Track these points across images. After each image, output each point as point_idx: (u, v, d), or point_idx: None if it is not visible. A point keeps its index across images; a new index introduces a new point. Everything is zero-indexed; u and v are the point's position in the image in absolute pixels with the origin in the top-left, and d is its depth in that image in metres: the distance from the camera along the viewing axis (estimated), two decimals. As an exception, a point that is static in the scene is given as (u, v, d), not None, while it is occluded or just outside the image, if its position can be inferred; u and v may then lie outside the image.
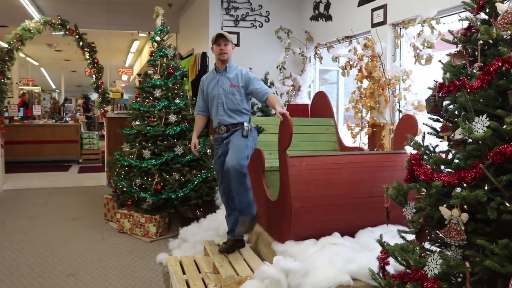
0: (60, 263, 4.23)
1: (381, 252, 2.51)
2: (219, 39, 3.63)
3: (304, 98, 6.21)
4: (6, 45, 7.42)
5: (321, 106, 5.21)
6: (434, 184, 2.00)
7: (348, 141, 5.02)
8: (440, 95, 2.18)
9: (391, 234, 2.95)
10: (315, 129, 4.87)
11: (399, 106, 4.54)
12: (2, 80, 7.41)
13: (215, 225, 4.30)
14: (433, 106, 2.20)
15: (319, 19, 6.13)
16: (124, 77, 18.39)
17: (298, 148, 4.44)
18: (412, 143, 2.39)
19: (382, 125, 4.66)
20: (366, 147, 4.89)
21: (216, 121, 3.71)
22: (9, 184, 7.81)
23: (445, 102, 2.22)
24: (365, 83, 4.88)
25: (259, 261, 3.50)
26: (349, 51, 5.18)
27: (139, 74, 18.08)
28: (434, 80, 2.31)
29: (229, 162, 3.45)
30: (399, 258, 2.22)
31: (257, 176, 4.07)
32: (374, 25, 4.84)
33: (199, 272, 3.62)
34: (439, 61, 2.28)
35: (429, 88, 2.29)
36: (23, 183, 8.03)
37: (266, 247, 3.68)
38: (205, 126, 5.30)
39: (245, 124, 3.61)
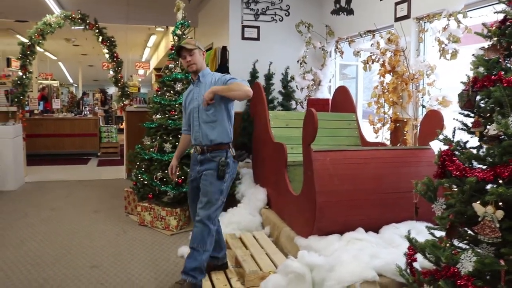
0: (83, 255, 4.28)
1: (408, 249, 2.49)
2: (181, 52, 3.22)
3: (325, 93, 6.17)
4: (26, 40, 7.51)
5: (342, 101, 5.18)
6: (468, 180, 1.97)
7: (370, 136, 4.98)
8: (474, 89, 2.14)
9: (416, 231, 2.93)
10: (337, 124, 4.85)
11: (423, 101, 4.49)
12: (25, 74, 7.50)
13: (236, 219, 4.31)
14: (466, 100, 2.16)
15: (340, 13, 6.08)
16: (141, 72, 18.47)
17: (319, 142, 4.41)
18: (442, 138, 2.35)
19: (405, 120, 4.61)
20: (388, 143, 4.84)
21: (193, 139, 3.31)
22: (30, 177, 7.92)
23: (478, 97, 2.18)
24: (388, 78, 4.83)
25: (282, 256, 3.50)
26: (371, 46, 5.13)
27: (155, 69, 18.23)
28: (467, 75, 2.26)
29: (199, 213, 3.15)
30: (429, 255, 2.19)
31: (280, 171, 4.06)
32: (397, 19, 4.77)
33: (222, 266, 3.64)
34: (472, 55, 2.23)
35: (462, 82, 2.24)
36: (44, 176, 8.13)
37: (289, 242, 3.68)
38: None
39: (222, 159, 3.14)
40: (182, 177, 4.71)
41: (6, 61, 12.32)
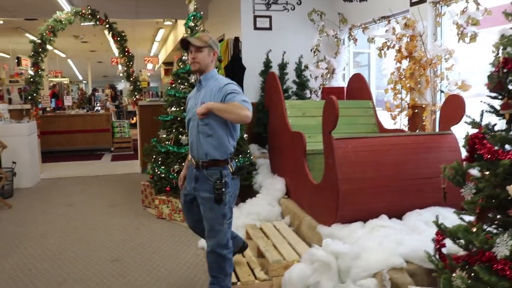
0: (103, 249, 4.30)
1: (436, 234, 2.45)
2: (189, 46, 2.78)
3: (339, 81, 6.11)
4: (35, 38, 7.52)
5: (358, 88, 5.13)
6: (501, 162, 1.93)
7: (387, 123, 4.93)
8: (505, 71, 2.09)
9: (441, 217, 2.87)
10: (353, 111, 4.80)
11: (441, 86, 4.42)
12: (37, 72, 7.52)
13: (255, 209, 4.29)
14: (497, 82, 2.11)
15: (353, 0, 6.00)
16: (149, 66, 18.49)
17: (337, 131, 4.36)
18: (469, 122, 2.30)
19: (423, 106, 4.55)
20: (406, 129, 4.79)
21: (189, 149, 2.94)
22: (46, 173, 7.97)
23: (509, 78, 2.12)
24: (404, 63, 4.76)
25: (305, 245, 3.49)
26: (386, 31, 5.06)
27: (164, 63, 18.23)
28: (495, 56, 2.21)
29: (207, 243, 2.89)
30: (461, 240, 2.15)
31: (299, 160, 4.04)
32: (413, 4, 4.70)
33: (243, 256, 3.63)
34: (502, 35, 2.17)
35: (491, 64, 2.19)
36: (59, 172, 8.18)
37: (310, 231, 3.66)
38: None
39: (217, 182, 2.72)
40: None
41: (16, 60, 12.40)
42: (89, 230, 4.89)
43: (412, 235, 3.05)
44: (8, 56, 15.88)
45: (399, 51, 4.75)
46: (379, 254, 2.78)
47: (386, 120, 5.01)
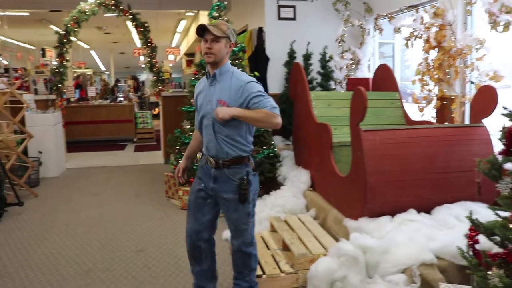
0: (128, 239, 4.33)
1: (470, 230, 2.38)
2: (206, 32, 2.49)
3: (364, 72, 6.01)
4: (59, 29, 7.58)
5: (384, 79, 5.03)
6: (543, 156, 1.85)
7: (414, 115, 4.82)
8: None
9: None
10: (380, 103, 4.71)
11: (471, 77, 4.30)
12: (62, 63, 7.60)
13: (280, 202, 4.26)
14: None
15: (379, -12, 5.87)
16: (171, 57, 18.55)
17: (363, 123, 4.30)
18: (507, 113, 2.22)
19: (452, 98, 4.43)
20: (434, 121, 4.68)
21: (204, 146, 2.71)
22: (71, 163, 8.08)
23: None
24: (432, 54, 4.64)
25: (330, 239, 3.45)
26: (413, 21, 4.93)
27: (186, 54, 18.26)
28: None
29: (232, 242, 2.81)
30: (497, 236, 2.08)
31: (325, 152, 3.99)
32: (443, -8, 4.56)
33: (268, 249, 3.61)
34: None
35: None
36: (83, 162, 8.29)
37: (337, 224, 3.61)
38: None
39: (244, 179, 2.58)
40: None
41: (41, 51, 12.57)
42: (114, 219, 4.93)
43: (443, 230, 2.98)
44: (34, 48, 16.14)
45: (427, 41, 4.63)
46: (409, 249, 2.73)
47: (412, 112, 4.91)
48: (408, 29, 5.05)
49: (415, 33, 4.87)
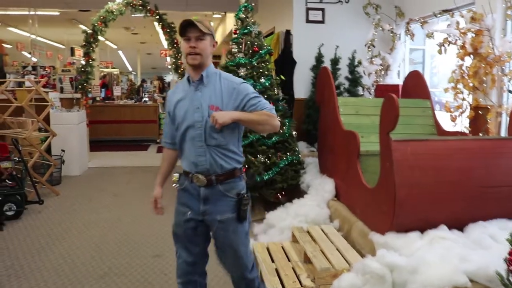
0: (145, 243, 4.24)
1: (509, 253, 2.19)
2: (189, 29, 2.21)
3: (394, 78, 5.80)
4: (87, 29, 7.61)
5: (415, 86, 4.83)
6: None
7: (445, 125, 4.61)
8: None
9: (508, 231, 2.60)
10: (410, 111, 4.51)
11: (509, 86, 4.07)
12: (88, 62, 7.62)
13: (303, 211, 4.09)
14: None
15: (412, -8, 5.67)
16: (197, 59, 18.54)
17: (392, 131, 4.13)
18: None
19: (488, 107, 4.20)
20: (467, 132, 4.45)
21: (188, 162, 2.31)
22: (93, 162, 8.09)
23: None
24: (467, 61, 4.42)
25: (355, 253, 3.27)
26: (448, 26, 4.72)
27: (212, 55, 18.25)
28: None
29: (234, 272, 2.47)
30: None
31: (351, 161, 3.82)
32: (480, -4, 4.34)
33: (289, 261, 3.46)
34: None
35: None
36: (106, 162, 8.28)
37: (362, 237, 3.43)
38: (287, 111, 5.03)
39: (242, 193, 2.31)
40: (246, 166, 4.55)
41: (70, 50, 12.72)
42: (133, 222, 4.85)
43: (477, 250, 2.77)
44: (63, 47, 16.39)
45: (462, 47, 4.41)
46: (441, 270, 2.53)
47: (444, 122, 4.69)
48: (442, 34, 4.84)
49: (449, 39, 4.67)
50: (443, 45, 4.77)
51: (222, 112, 2.18)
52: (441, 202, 3.06)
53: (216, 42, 2.37)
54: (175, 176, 2.43)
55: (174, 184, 2.42)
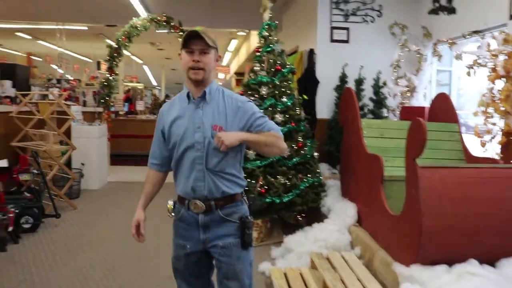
0: (160, 263, 4.14)
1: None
2: (193, 41, 2.04)
3: (420, 100, 5.63)
4: (112, 43, 7.69)
5: (442, 109, 4.66)
6: None
7: (474, 150, 4.41)
8: None
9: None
10: (437, 135, 4.34)
11: (544, 112, 3.87)
12: (111, 76, 7.66)
13: (323, 236, 3.93)
14: None
15: (440, 12, 5.51)
16: (221, 76, 18.66)
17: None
18: None
19: (521, 133, 4.00)
20: (498, 158, 4.25)
21: (186, 188, 2.11)
22: (113, 176, 8.08)
23: None
24: (498, 84, 4.24)
25: (377, 284, 3.09)
26: (478, 47, 4.56)
27: (236, 73, 18.32)
28: None
29: None
30: None
31: (374, 186, 3.66)
32: (513, 17, 4.18)
33: (307, 288, 3.31)
34: None
35: None
36: (125, 176, 8.26)
37: (384, 267, 3.26)
38: (309, 131, 4.90)
39: (245, 216, 2.13)
40: (265, 187, 4.42)
41: (96, 64, 12.91)
42: (148, 240, 4.66)
43: (510, 288, 2.59)
44: (90, 60, 16.66)
45: (493, 70, 4.24)
46: (470, 309, 2.36)
47: (473, 147, 4.50)
48: (471, 56, 4.68)
49: (479, 61, 4.51)
50: (472, 67, 4.61)
51: (228, 133, 2.01)
52: (471, 234, 2.88)
53: (220, 56, 2.19)
54: (170, 204, 2.25)
55: (169, 214, 2.26)
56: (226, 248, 2.11)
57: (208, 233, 2.12)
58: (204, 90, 2.09)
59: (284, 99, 4.71)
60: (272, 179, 4.43)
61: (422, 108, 5.28)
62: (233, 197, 2.13)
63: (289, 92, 4.79)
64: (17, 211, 4.65)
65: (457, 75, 6.17)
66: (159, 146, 2.24)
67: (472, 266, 2.78)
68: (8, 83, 7.47)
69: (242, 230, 2.10)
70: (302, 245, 3.95)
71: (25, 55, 13.97)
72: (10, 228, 4.41)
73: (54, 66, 13.34)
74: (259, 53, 4.95)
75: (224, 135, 1.97)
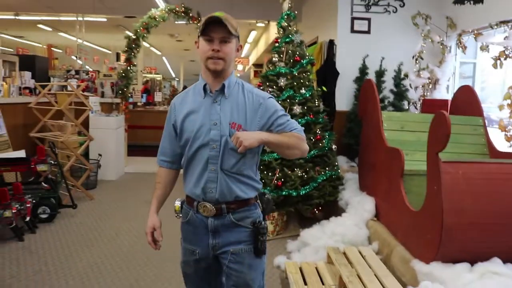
0: (174, 256, 4.01)
1: None
2: (212, 27, 1.81)
3: (442, 93, 5.47)
4: (130, 34, 7.67)
5: (466, 102, 4.50)
6: None
7: (499, 145, 4.26)
8: None
9: None
10: (460, 128, 4.19)
11: None
12: (129, 67, 7.65)
13: (340, 230, 3.85)
14: None
15: (466, 2, 5.33)
16: (240, 67, 18.58)
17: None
18: None
19: (548, 127, 3.85)
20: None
21: (196, 189, 1.92)
22: (130, 167, 8.10)
23: None
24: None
25: (395, 281, 3.00)
26: (505, 38, 4.40)
27: (254, 64, 18.23)
28: None
29: None
30: None
31: (394, 180, 3.56)
32: (544, 7, 4.01)
33: (322, 284, 3.24)
34: None
35: None
36: (143, 167, 8.24)
37: (403, 264, 3.17)
38: (327, 124, 4.80)
39: (258, 221, 1.93)
40: (282, 180, 4.35)
41: (115, 55, 12.96)
42: (164, 233, 4.72)
43: (536, 288, 2.47)
44: (110, 52, 16.77)
45: (521, 61, 4.09)
46: (494, 310, 2.26)
47: (498, 141, 4.34)
48: (498, 47, 4.52)
49: (507, 52, 4.35)
50: (499, 59, 4.45)
51: (248, 133, 1.81)
52: (495, 232, 2.77)
53: (241, 46, 1.98)
54: (177, 204, 2.06)
55: (176, 215, 2.08)
56: (237, 255, 1.93)
57: (218, 239, 1.94)
58: (223, 83, 1.88)
59: (303, 91, 4.61)
60: (289, 172, 4.35)
61: (445, 101, 5.13)
62: (247, 201, 1.94)
63: (307, 83, 4.69)
64: (34, 201, 4.66)
65: (481, 67, 5.99)
66: (170, 142, 2.04)
67: (495, 265, 2.67)
68: (27, 74, 7.53)
69: (255, 237, 1.92)
70: (318, 239, 3.88)
71: (46, 46, 14.11)
72: (27, 218, 4.43)
73: (74, 58, 13.47)
74: (278, 44, 4.86)
75: (243, 135, 1.77)
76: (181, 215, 2.06)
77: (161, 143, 2.09)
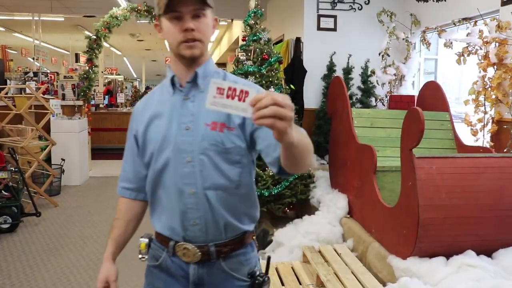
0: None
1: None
2: (178, 5, 1.29)
3: (408, 89, 5.56)
4: (90, 34, 7.45)
5: (432, 98, 4.59)
6: None
7: (466, 139, 4.35)
8: None
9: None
10: (428, 124, 4.17)
11: (536, 99, 3.82)
12: (90, 68, 7.42)
13: (314, 228, 3.83)
14: None
15: (429, -1, 5.43)
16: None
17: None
18: None
19: (512, 121, 3.95)
20: (489, 147, 4.19)
21: (172, 223, 1.41)
22: (95, 171, 7.87)
23: None
24: (490, 72, 4.18)
25: (372, 277, 3.01)
26: (468, 35, 4.49)
27: (217, 63, 18.11)
28: None
29: None
30: None
31: (367, 177, 3.57)
32: (504, 3, 4.10)
33: (299, 284, 3.21)
34: None
35: None
36: (107, 171, 8.03)
37: (379, 260, 3.17)
38: (296, 122, 4.80)
39: (257, 273, 1.42)
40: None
41: (74, 56, 12.57)
42: (134, 238, 4.60)
43: (511, 279, 2.51)
44: (68, 53, 16.26)
45: (485, 57, 4.17)
46: (473, 304, 2.28)
47: (464, 136, 4.44)
48: (461, 44, 4.61)
49: (469, 48, 4.45)
50: (463, 55, 4.55)
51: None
52: (469, 225, 2.80)
53: (216, 19, 1.46)
54: (143, 243, 1.52)
55: (141, 256, 1.53)
56: None
57: None
58: (195, 72, 1.37)
59: (272, 89, 4.56)
60: (261, 171, 4.30)
61: (411, 97, 5.22)
62: (242, 239, 1.42)
63: (276, 81, 4.65)
64: (-6, 210, 4.45)
65: (443, 63, 6.13)
66: (134, 162, 1.52)
67: (469, 257, 2.71)
68: (-18, 77, 7.19)
69: (253, 278, 1.41)
70: (292, 238, 3.85)
71: (-1, 48, 13.52)
72: (-13, 228, 4.21)
73: (31, 59, 12.96)
74: (245, 42, 4.80)
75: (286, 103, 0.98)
76: (146, 257, 1.52)
77: (123, 166, 1.58)
